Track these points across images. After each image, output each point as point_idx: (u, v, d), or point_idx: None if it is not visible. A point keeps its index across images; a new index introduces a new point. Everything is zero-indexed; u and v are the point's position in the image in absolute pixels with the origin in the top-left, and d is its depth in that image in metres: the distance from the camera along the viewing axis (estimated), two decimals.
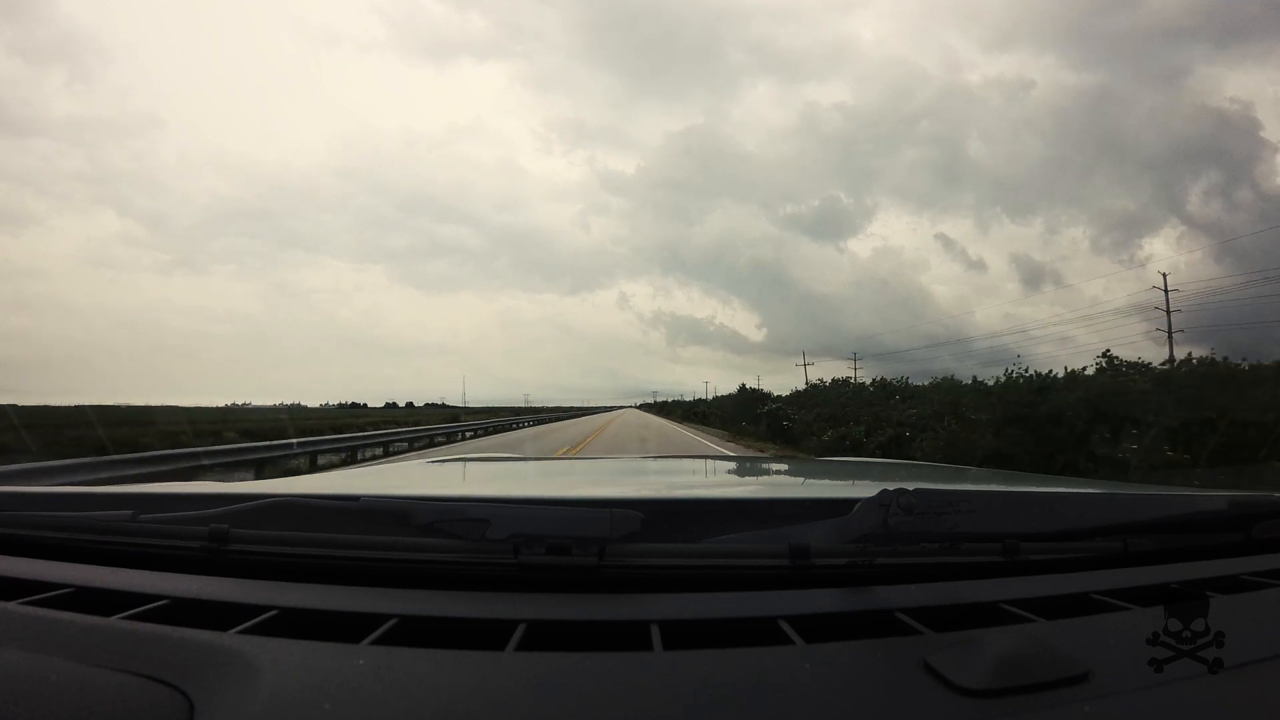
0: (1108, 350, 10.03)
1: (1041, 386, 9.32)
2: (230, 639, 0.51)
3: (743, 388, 33.26)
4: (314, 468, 10.71)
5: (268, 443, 10.80)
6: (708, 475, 1.98)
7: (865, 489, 0.67)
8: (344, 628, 0.54)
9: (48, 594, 0.60)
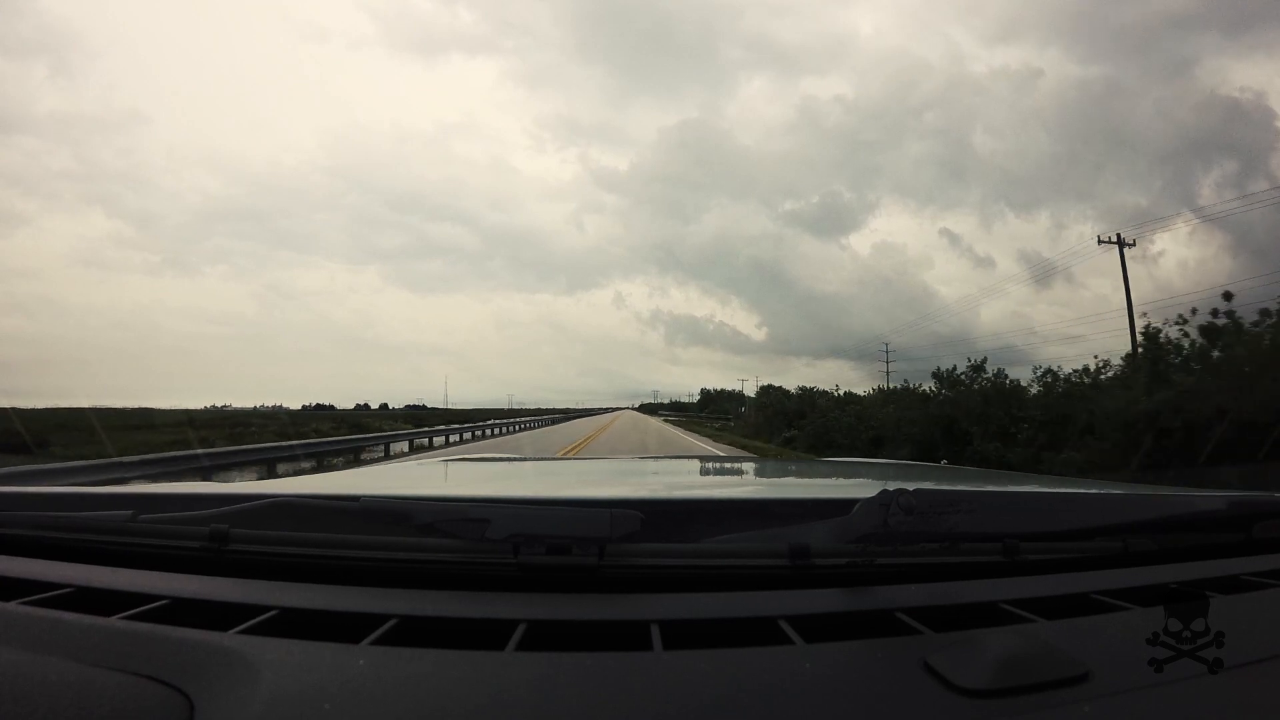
0: None
1: None
2: (230, 639, 0.51)
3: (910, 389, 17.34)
4: None
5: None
6: (708, 475, 1.98)
7: (865, 489, 0.67)
8: (344, 628, 0.54)
9: (48, 594, 0.60)
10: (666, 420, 57.93)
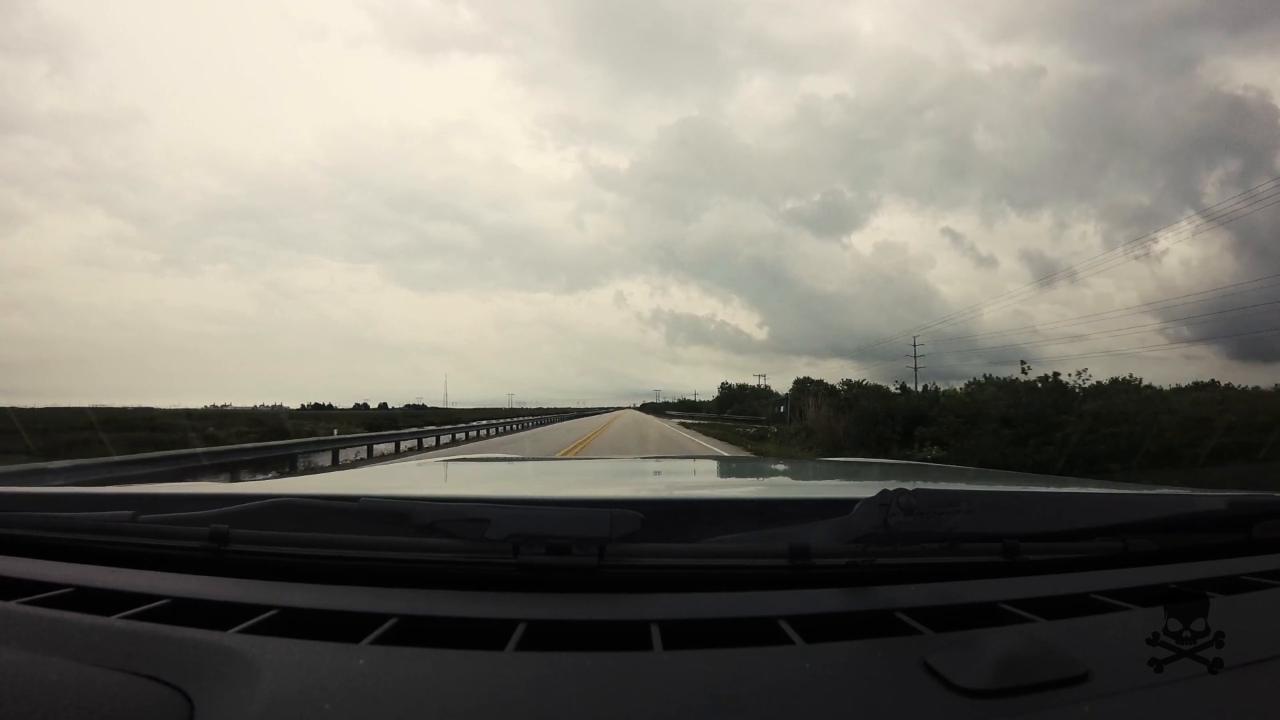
0: None
1: None
2: (230, 639, 0.51)
3: None
4: None
5: None
6: (708, 475, 1.98)
7: (865, 489, 0.67)
8: (344, 628, 0.54)
9: (48, 594, 0.60)
10: (683, 425, 41.41)
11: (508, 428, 28.90)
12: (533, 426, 32.52)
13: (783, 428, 26.47)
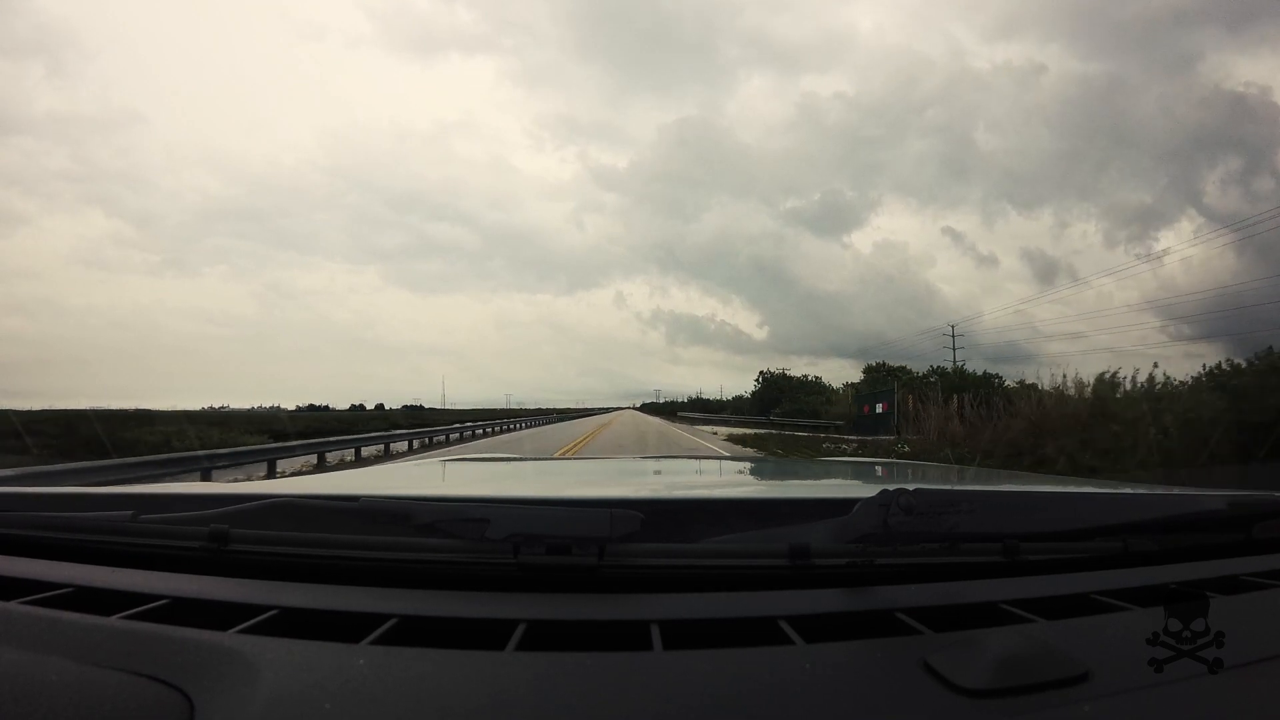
0: None
1: None
2: (230, 639, 0.51)
3: None
4: None
5: None
6: (708, 475, 1.98)
7: (865, 489, 0.67)
8: (344, 628, 0.54)
9: (48, 594, 0.60)
10: (728, 437, 21.76)
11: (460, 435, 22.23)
12: (477, 437, 24.15)
13: (913, 441, 14.14)
